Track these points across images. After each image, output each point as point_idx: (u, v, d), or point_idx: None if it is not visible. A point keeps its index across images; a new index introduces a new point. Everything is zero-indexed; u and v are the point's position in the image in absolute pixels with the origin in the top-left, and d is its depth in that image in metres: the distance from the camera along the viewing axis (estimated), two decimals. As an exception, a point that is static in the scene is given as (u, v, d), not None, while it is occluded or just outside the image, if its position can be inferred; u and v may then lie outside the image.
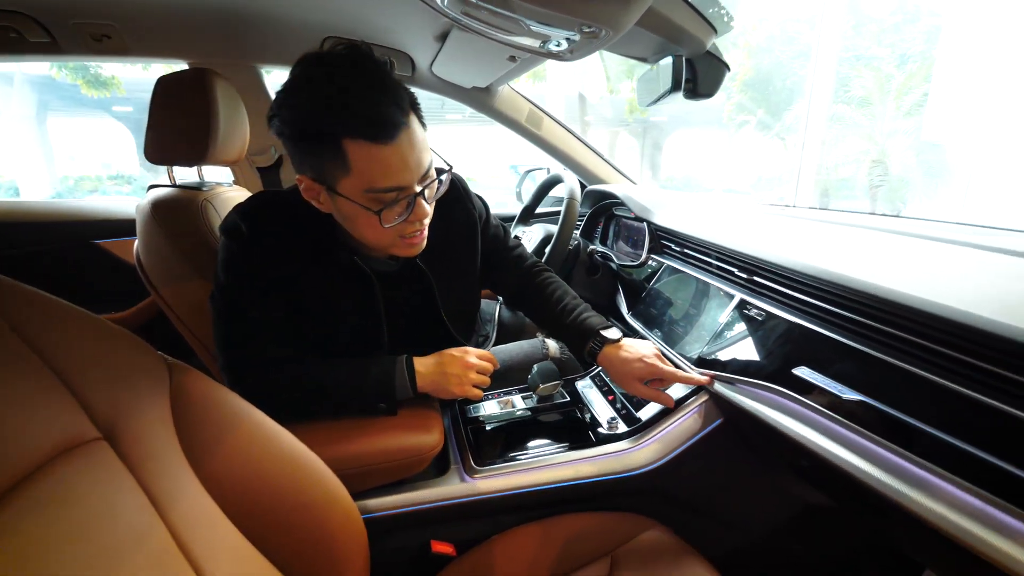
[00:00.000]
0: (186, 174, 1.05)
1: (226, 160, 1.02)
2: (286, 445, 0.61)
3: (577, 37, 0.74)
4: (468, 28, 0.85)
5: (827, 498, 0.86)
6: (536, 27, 0.72)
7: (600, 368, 0.98)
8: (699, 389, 0.86)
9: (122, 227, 1.49)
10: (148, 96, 0.93)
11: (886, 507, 0.57)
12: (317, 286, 0.78)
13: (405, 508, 0.78)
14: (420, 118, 0.70)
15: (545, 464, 0.83)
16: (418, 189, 0.69)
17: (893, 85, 6.44)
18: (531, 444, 0.88)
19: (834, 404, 0.60)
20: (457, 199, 0.89)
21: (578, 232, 1.47)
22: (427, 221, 0.74)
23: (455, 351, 0.82)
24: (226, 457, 0.55)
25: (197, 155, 0.95)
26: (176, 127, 0.93)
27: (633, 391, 0.84)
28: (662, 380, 0.83)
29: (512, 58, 0.99)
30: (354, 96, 0.61)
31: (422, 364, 0.81)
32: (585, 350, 0.87)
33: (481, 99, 1.42)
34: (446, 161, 0.76)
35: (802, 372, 0.65)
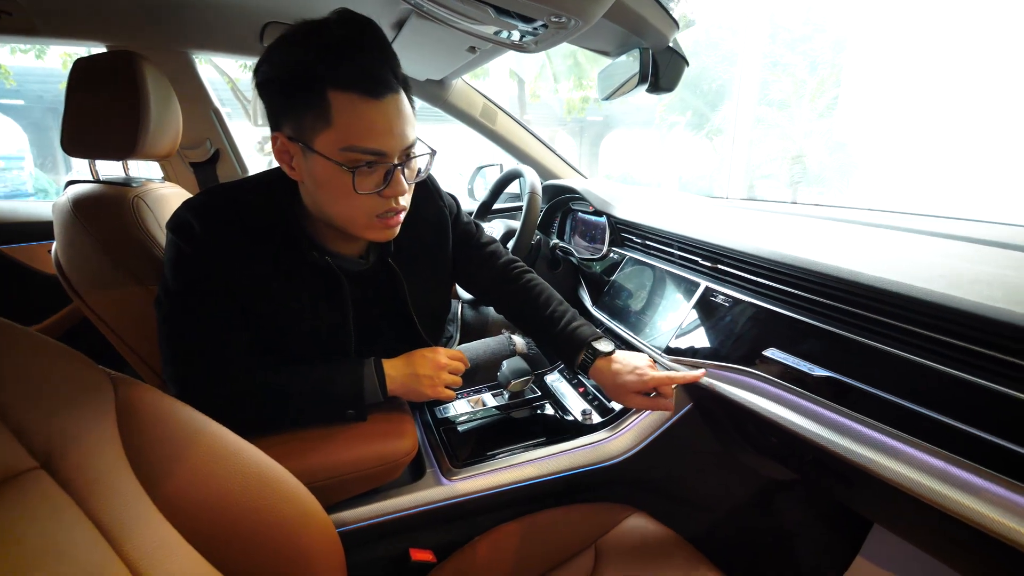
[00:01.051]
0: (108, 169, 0.95)
1: (157, 154, 0.93)
2: (252, 460, 0.56)
3: (545, 27, 0.73)
4: (429, 15, 0.82)
5: (790, 471, 0.90)
6: (503, 17, 0.70)
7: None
8: (669, 376, 0.88)
9: (29, 230, 1.32)
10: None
11: (850, 472, 0.60)
12: (279, 288, 0.72)
13: (382, 517, 0.74)
14: (411, 100, 0.68)
15: (523, 461, 0.82)
16: (397, 161, 0.65)
17: (807, 89, 7.00)
18: (507, 441, 0.87)
19: (803, 381, 0.63)
20: (427, 197, 0.85)
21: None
22: (404, 202, 0.70)
23: (425, 351, 0.79)
24: (184, 478, 0.50)
25: (125, 148, 0.85)
26: (99, 117, 0.83)
27: (629, 403, 0.77)
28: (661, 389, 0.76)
29: (472, 49, 0.97)
30: (350, 46, 0.60)
31: (392, 366, 0.77)
32: (577, 363, 0.81)
33: (435, 92, 1.38)
34: (430, 147, 0.72)
35: (772, 353, 0.68)
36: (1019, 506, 0.44)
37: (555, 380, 1.04)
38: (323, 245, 0.75)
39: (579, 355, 0.80)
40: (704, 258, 0.88)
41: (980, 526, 0.46)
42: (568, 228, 1.51)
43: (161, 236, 0.86)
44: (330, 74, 0.59)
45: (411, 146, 0.67)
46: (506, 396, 0.98)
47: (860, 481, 0.61)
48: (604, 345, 0.80)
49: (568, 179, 1.54)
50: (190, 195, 1.06)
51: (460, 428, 0.91)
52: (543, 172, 1.58)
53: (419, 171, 0.72)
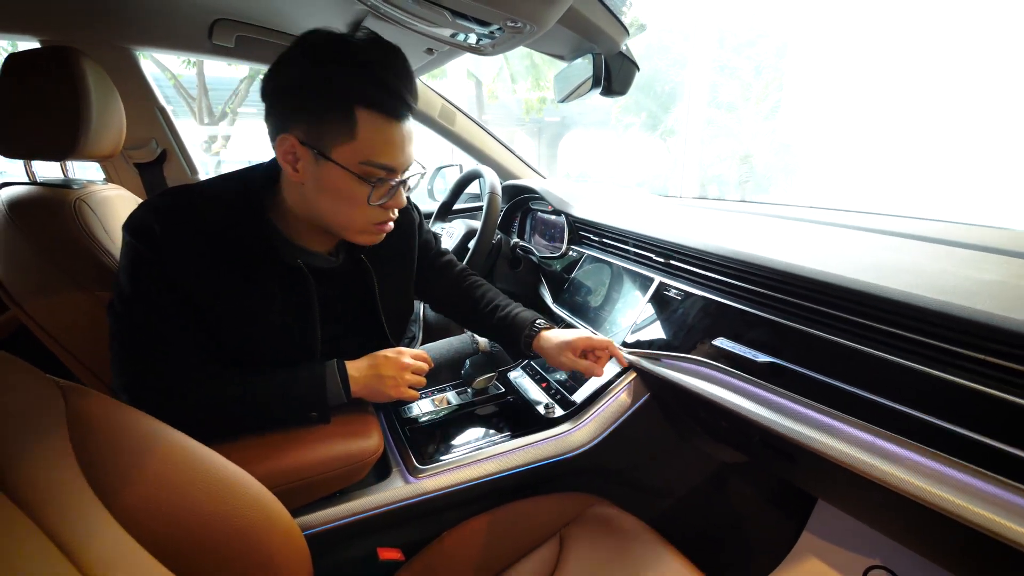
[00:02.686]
0: (44, 171, 0.90)
1: (99, 154, 0.89)
2: (212, 466, 0.55)
3: (501, 31, 0.74)
4: (385, 17, 0.82)
5: (740, 454, 0.96)
6: (460, 20, 0.72)
7: (530, 359, 1.00)
8: (627, 368, 0.91)
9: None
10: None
11: (792, 449, 0.65)
12: (244, 290, 0.71)
13: (348, 518, 0.74)
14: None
15: (488, 456, 0.83)
16: (402, 177, 0.71)
17: (752, 92, 7.35)
18: (472, 438, 0.88)
19: (749, 367, 0.67)
20: None
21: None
22: (396, 215, 0.76)
23: (388, 352, 0.80)
24: (143, 487, 0.49)
25: (64, 148, 0.81)
26: (36, 116, 0.78)
27: (571, 365, 0.84)
28: (595, 352, 0.86)
29: (430, 51, 0.98)
30: (384, 69, 0.64)
31: (354, 368, 0.77)
32: (521, 340, 0.90)
33: (391, 93, 1.37)
34: (422, 166, 0.76)
35: (721, 343, 0.72)
36: (934, 470, 0.49)
37: (518, 376, 1.06)
38: (295, 243, 0.75)
39: (523, 332, 0.90)
40: (658, 254, 0.93)
41: (902, 491, 0.51)
42: (528, 227, 1.54)
43: (106, 240, 0.83)
44: (362, 93, 0.63)
45: (411, 164, 0.73)
46: (470, 393, 1.00)
47: (802, 458, 0.66)
48: (544, 323, 0.91)
49: (527, 179, 1.57)
50: (136, 197, 1.03)
51: (425, 427, 0.92)
52: (502, 172, 1.60)
53: (410, 186, 0.77)
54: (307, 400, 0.73)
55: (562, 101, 0.99)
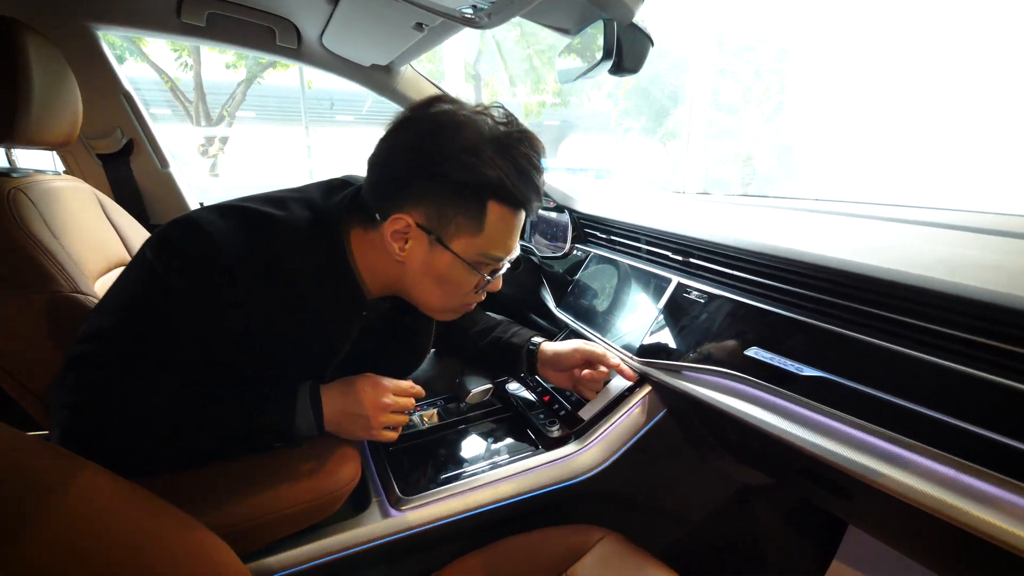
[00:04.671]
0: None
1: (48, 141, 0.78)
2: (138, 512, 0.44)
3: (498, -7, 0.65)
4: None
5: (767, 477, 0.85)
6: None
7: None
8: (641, 381, 0.81)
9: None
10: None
11: (845, 482, 0.55)
12: (305, 341, 0.64)
13: (321, 559, 0.63)
14: None
15: (482, 483, 0.72)
16: (507, 264, 0.67)
17: (753, 95, 7.30)
18: (465, 461, 0.77)
19: (792, 382, 0.57)
20: None
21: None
22: (484, 295, 0.72)
23: (366, 384, 0.67)
24: (37, 547, 0.38)
25: (0, 132, 0.71)
26: None
27: (570, 383, 0.83)
28: (601, 364, 0.81)
29: (420, 26, 0.88)
30: (530, 168, 0.60)
31: (328, 398, 0.65)
32: (523, 361, 0.86)
33: (381, 80, 1.27)
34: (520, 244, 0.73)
35: (755, 353, 0.62)
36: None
37: (517, 389, 0.95)
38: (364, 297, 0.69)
39: (523, 351, 0.86)
40: (675, 252, 0.82)
41: (995, 539, 0.40)
42: (528, 226, 1.44)
43: (45, 235, 0.72)
44: (500, 187, 0.58)
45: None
46: (463, 408, 0.89)
47: (858, 492, 0.56)
48: (541, 339, 0.88)
49: None
50: (92, 190, 0.92)
51: (411, 449, 0.81)
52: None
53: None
54: (273, 430, 0.63)
55: (567, 82, 0.89)
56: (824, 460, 0.51)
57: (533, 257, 1.23)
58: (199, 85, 8.37)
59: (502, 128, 0.59)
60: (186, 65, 8.18)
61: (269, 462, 0.63)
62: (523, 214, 0.63)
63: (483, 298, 0.70)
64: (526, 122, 0.63)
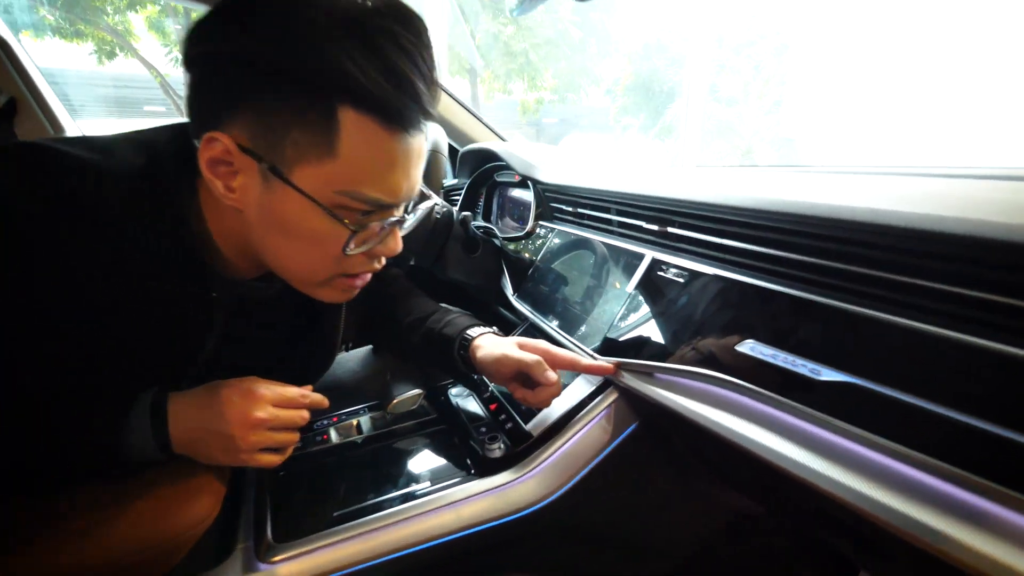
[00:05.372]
0: None
1: None
2: None
3: None
4: None
5: (766, 507, 0.67)
6: None
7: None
8: (606, 386, 0.63)
9: None
10: None
11: (895, 548, 0.36)
12: (125, 314, 0.45)
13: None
14: None
15: (390, 522, 0.54)
16: (401, 214, 0.48)
17: (752, 89, 7.15)
18: (372, 492, 0.59)
19: (805, 389, 0.39)
20: None
21: (457, 208, 1.20)
22: (382, 263, 0.52)
23: (233, 392, 0.49)
24: None
25: None
26: None
27: (512, 390, 0.61)
28: (543, 378, 0.58)
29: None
30: (399, 52, 0.40)
31: (180, 409, 0.48)
32: (456, 358, 0.65)
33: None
34: (430, 194, 0.60)
35: (750, 348, 0.44)
36: None
37: (460, 395, 0.77)
38: (217, 269, 0.50)
39: (455, 347, 0.65)
40: (650, 220, 0.64)
41: None
42: (496, 206, 1.26)
43: None
44: (357, 85, 0.39)
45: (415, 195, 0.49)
46: (388, 421, 0.71)
47: (898, 552, 0.38)
48: (481, 329, 0.66)
49: (487, 143, 1.28)
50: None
51: (308, 475, 0.63)
52: (461, 138, 1.32)
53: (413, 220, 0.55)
54: (100, 453, 0.45)
55: (519, 13, 0.71)
56: (856, 508, 0.34)
57: (496, 240, 1.05)
58: (190, 80, 8.20)
59: (361, 2, 0.40)
60: (176, 60, 8.01)
61: (92, 497, 0.46)
62: (408, 138, 0.43)
63: (377, 267, 0.51)
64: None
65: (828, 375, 0.37)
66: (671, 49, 10.03)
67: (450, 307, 0.75)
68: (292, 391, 0.52)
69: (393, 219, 0.47)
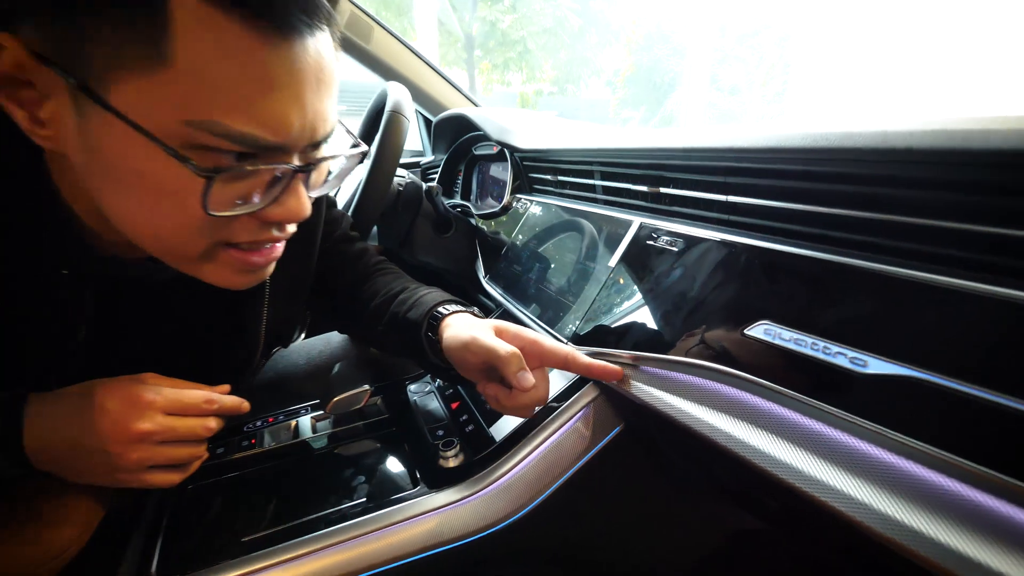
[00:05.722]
0: None
1: None
2: None
3: None
4: None
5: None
6: None
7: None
8: (585, 381, 0.52)
9: None
10: None
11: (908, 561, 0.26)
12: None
13: None
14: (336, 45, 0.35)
15: (311, 549, 0.44)
16: (299, 162, 0.34)
17: (755, 78, 7.03)
18: (299, 511, 0.49)
19: (841, 388, 0.28)
20: None
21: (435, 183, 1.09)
22: (292, 228, 0.39)
23: (111, 395, 0.38)
24: None
25: None
26: None
27: (483, 388, 0.46)
28: (515, 376, 0.44)
29: None
30: None
31: (38, 418, 0.37)
32: (424, 345, 0.51)
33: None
34: (355, 138, 0.41)
35: (764, 332, 0.33)
36: None
37: (420, 392, 0.67)
38: (86, 242, 0.40)
39: (422, 331, 0.51)
40: (639, 181, 0.53)
41: None
42: (475, 185, 1.15)
43: None
44: None
45: (328, 135, 0.36)
46: (330, 423, 0.61)
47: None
48: (453, 307, 0.52)
49: (460, 108, 1.17)
50: None
51: (220, 490, 0.52)
52: (436, 107, 1.21)
53: (328, 177, 0.41)
54: None
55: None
56: (929, 562, 0.23)
57: (471, 218, 0.94)
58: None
59: None
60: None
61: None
62: (293, 47, 0.30)
63: (278, 235, 0.38)
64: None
65: (877, 367, 0.27)
66: (673, 38, 9.87)
67: (423, 285, 0.63)
68: (192, 395, 0.41)
69: (285, 166, 0.33)
